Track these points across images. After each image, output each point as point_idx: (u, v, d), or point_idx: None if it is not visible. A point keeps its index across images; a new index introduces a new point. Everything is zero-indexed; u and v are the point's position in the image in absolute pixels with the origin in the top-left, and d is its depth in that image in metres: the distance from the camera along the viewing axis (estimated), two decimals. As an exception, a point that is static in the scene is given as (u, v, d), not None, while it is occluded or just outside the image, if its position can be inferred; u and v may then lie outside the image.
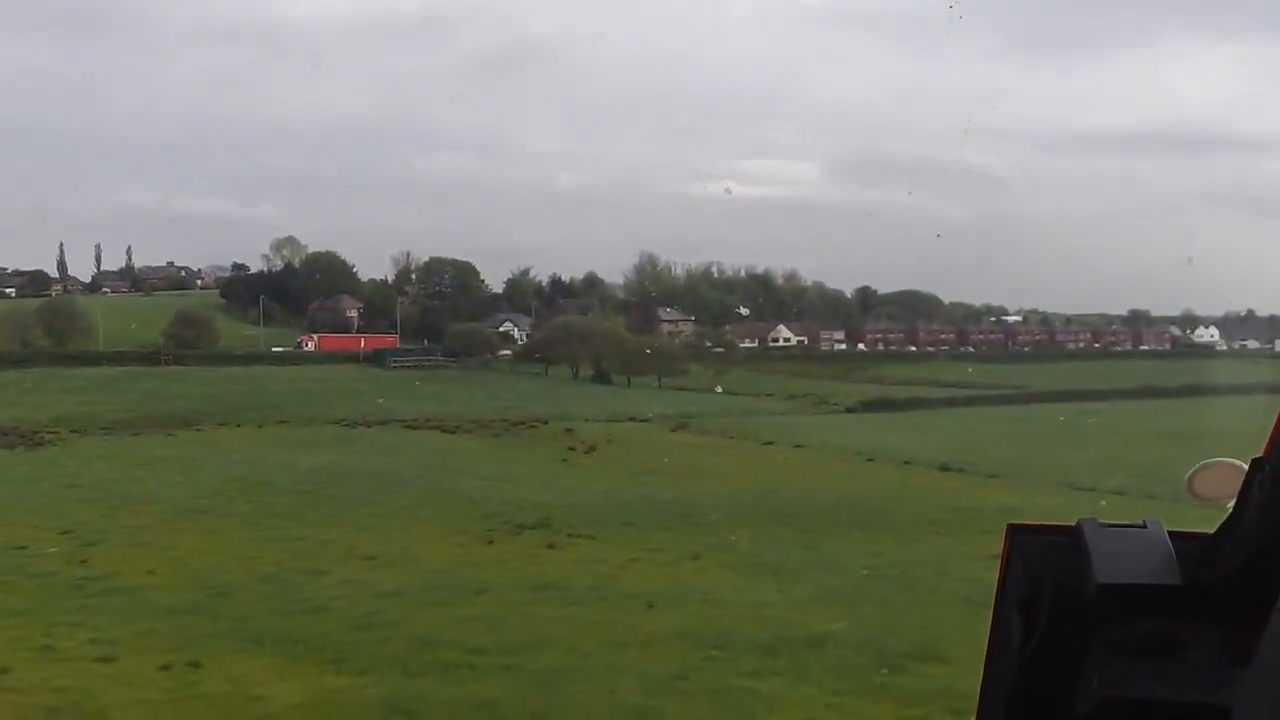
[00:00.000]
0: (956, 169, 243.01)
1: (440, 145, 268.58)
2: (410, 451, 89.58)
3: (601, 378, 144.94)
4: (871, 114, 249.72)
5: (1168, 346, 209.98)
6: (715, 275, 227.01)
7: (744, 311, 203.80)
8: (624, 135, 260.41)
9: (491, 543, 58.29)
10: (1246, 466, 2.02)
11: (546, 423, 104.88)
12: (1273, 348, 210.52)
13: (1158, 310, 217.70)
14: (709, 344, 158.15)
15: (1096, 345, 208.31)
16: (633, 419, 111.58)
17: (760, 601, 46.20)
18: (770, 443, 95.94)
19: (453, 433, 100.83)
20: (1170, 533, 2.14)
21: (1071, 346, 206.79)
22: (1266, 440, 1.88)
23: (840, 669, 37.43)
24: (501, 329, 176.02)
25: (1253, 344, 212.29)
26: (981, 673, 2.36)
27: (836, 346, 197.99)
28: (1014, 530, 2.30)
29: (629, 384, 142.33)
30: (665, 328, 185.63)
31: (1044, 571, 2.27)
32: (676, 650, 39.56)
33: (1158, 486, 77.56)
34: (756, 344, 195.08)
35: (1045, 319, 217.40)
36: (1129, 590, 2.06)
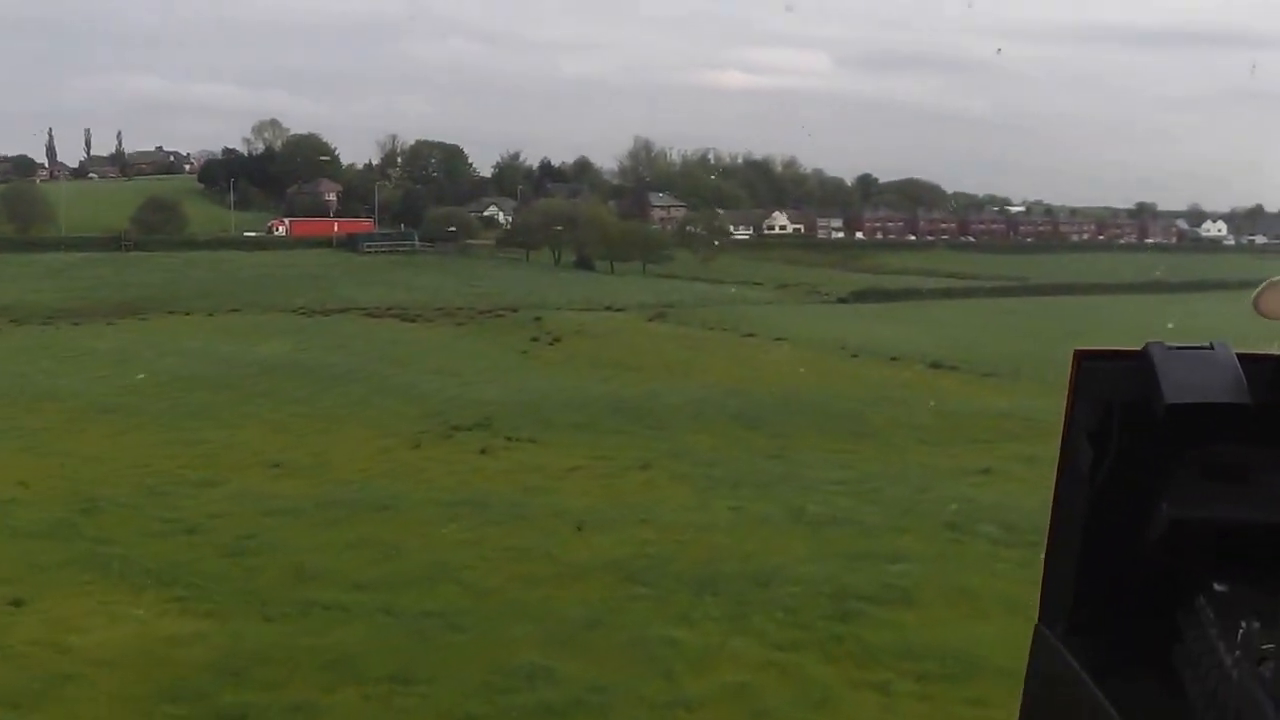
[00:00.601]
0: (965, 61, 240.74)
1: (443, 32, 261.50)
2: (362, 342, 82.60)
3: (584, 264, 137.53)
4: (881, 4, 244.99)
5: (1174, 241, 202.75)
6: (712, 162, 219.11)
7: (734, 201, 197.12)
8: (629, 24, 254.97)
9: (418, 446, 51.51)
10: None
11: (516, 311, 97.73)
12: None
13: (1164, 205, 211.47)
14: (699, 230, 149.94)
15: (1101, 238, 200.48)
16: (609, 308, 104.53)
17: (707, 524, 39.50)
18: (751, 335, 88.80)
19: (413, 322, 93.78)
20: (1239, 354, 2.02)
21: (1076, 239, 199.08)
22: None
23: (788, 613, 30.76)
24: (486, 213, 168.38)
25: (1260, 239, 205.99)
26: (1051, 504, 2.24)
27: (834, 235, 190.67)
28: (1082, 356, 2.18)
29: (612, 270, 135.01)
30: (657, 213, 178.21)
31: (1112, 397, 2.14)
32: (597, 586, 32.93)
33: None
34: (752, 231, 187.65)
35: (1049, 210, 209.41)
36: (1198, 410, 1.96)
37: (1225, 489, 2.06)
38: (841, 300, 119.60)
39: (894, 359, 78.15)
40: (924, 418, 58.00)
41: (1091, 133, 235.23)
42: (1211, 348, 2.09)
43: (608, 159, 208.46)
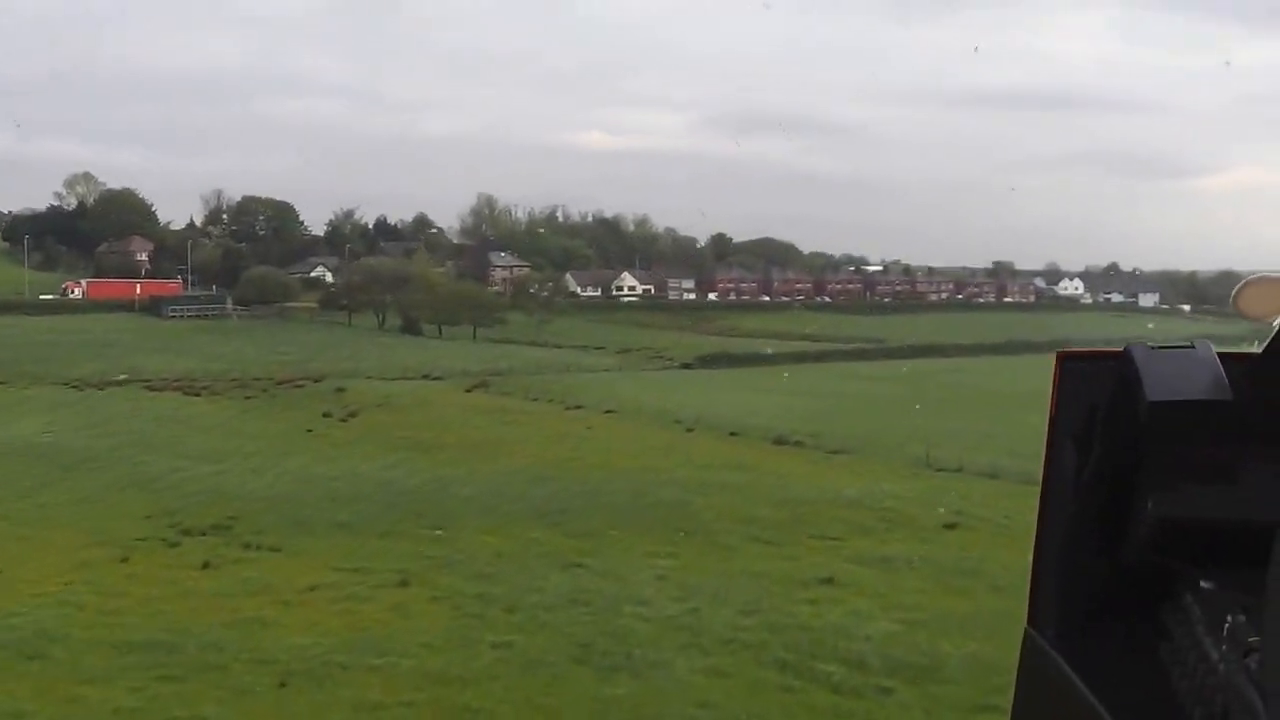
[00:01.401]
0: (825, 123, 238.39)
1: (298, 90, 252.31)
2: (127, 421, 71.43)
3: (411, 328, 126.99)
4: (742, 66, 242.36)
5: (1032, 299, 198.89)
6: (560, 220, 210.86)
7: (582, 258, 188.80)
8: (493, 84, 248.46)
9: (126, 559, 41.03)
10: None
11: (319, 381, 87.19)
12: (1136, 301, 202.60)
13: (1021, 264, 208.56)
14: (537, 290, 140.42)
15: (960, 297, 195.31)
16: (427, 376, 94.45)
17: (458, 671, 29.77)
18: (579, 407, 79.38)
19: (198, 395, 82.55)
20: (1220, 353, 2.10)
21: (934, 298, 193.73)
22: None
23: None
24: (313, 274, 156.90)
25: (1116, 297, 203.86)
26: (1037, 507, 2.28)
27: (686, 296, 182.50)
28: (1065, 358, 2.26)
29: (440, 335, 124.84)
30: (499, 273, 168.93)
31: (1096, 397, 2.22)
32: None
33: (1038, 466, 62.20)
34: (599, 292, 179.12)
35: (907, 270, 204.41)
36: (1181, 408, 2.02)
37: (1209, 487, 2.08)
38: (686, 366, 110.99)
39: (734, 434, 69.32)
40: (762, 508, 49.03)
41: (949, 194, 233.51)
42: (1193, 347, 2.12)
43: (453, 217, 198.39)
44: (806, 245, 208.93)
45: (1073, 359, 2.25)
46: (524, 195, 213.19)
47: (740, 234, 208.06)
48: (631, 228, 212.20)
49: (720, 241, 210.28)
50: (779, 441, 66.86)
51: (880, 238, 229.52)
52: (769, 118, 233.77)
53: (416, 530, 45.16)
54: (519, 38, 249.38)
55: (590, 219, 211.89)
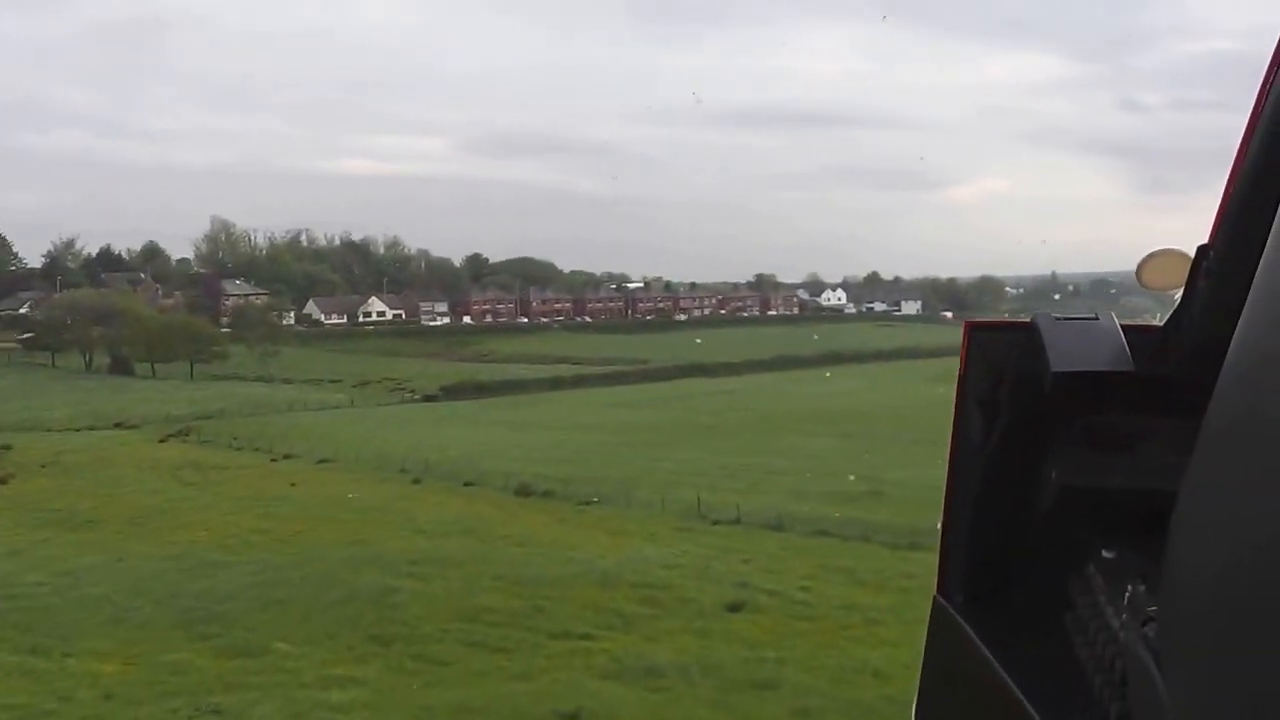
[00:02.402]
0: (585, 143, 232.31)
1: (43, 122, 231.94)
2: None
3: (120, 367, 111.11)
4: (501, 89, 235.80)
5: (796, 311, 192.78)
6: (304, 244, 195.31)
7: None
8: (251, 112, 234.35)
9: None
10: (1192, 255, 1.99)
11: (-18, 436, 71.85)
12: (899, 309, 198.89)
13: (784, 277, 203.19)
14: (266, 319, 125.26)
15: (723, 311, 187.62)
16: (120, 425, 79.79)
17: None
18: (289, 456, 66.53)
19: None
20: (1123, 325, 2.13)
21: (697, 313, 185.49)
22: (1211, 226, 1.88)
23: None
24: (22, 310, 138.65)
25: (879, 306, 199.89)
26: (945, 475, 2.33)
27: (440, 320, 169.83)
28: (972, 327, 2.27)
29: (154, 373, 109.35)
30: (233, 302, 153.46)
31: (1002, 366, 2.24)
32: None
33: (829, 508, 54.23)
34: (345, 319, 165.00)
35: (669, 286, 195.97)
36: (1084, 378, 2.05)
37: (1111, 456, 2.11)
38: (430, 398, 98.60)
39: (469, 484, 57.69)
40: (491, 595, 37.63)
41: (710, 211, 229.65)
42: (1096, 318, 2.13)
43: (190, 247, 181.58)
44: (567, 264, 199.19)
45: (980, 329, 2.23)
46: (274, 222, 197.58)
47: (500, 255, 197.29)
48: (382, 250, 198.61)
49: (477, 262, 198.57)
50: (522, 492, 55.37)
51: (643, 256, 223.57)
52: (529, 140, 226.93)
53: (5, 655, 32.09)
54: (276, 66, 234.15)
55: (338, 242, 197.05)
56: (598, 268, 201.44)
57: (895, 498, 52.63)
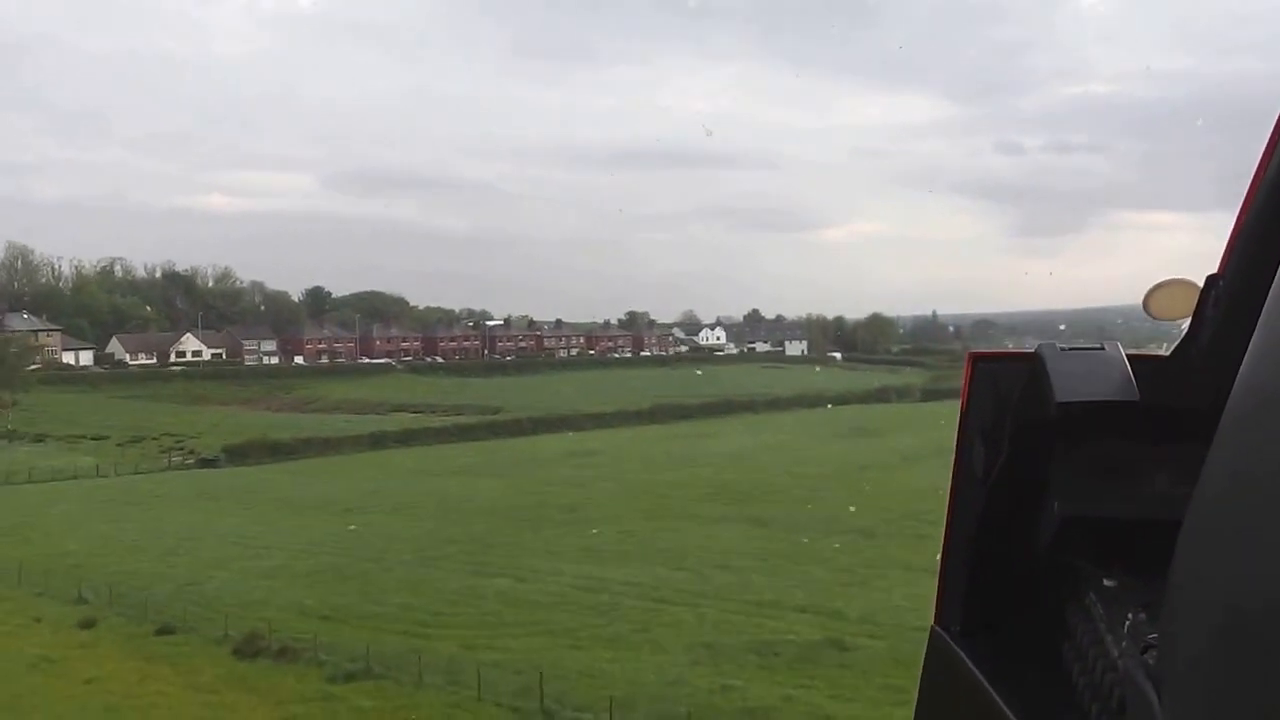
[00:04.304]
0: (450, 180, 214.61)
1: None
2: None
3: None
4: (363, 125, 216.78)
5: (672, 351, 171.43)
6: (119, 275, 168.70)
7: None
8: (107, 147, 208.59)
9: None
10: (1201, 284, 1.93)
11: None
12: (783, 349, 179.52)
13: (658, 315, 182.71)
14: (11, 359, 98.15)
15: (592, 352, 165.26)
16: None
17: None
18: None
19: None
20: (1128, 354, 2.00)
21: (563, 354, 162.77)
22: (1221, 256, 1.83)
23: None
24: None
25: (762, 346, 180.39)
26: (946, 508, 2.18)
27: (268, 360, 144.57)
28: (975, 358, 2.17)
29: None
30: (21, 338, 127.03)
31: (1005, 397, 2.12)
32: None
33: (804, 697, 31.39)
34: (155, 359, 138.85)
35: (532, 323, 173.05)
36: (1088, 408, 1.94)
37: (1114, 486, 2.03)
38: (207, 462, 73.89)
39: (165, 631, 33.94)
40: None
41: (579, 249, 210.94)
42: (1102, 348, 2.03)
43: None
44: (423, 300, 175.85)
45: (983, 359, 2.16)
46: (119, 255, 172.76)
47: (348, 290, 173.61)
48: (210, 283, 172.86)
49: (318, 296, 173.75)
50: (246, 651, 31.87)
51: (509, 293, 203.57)
52: (394, 176, 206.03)
53: None
54: (132, 98, 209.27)
55: (159, 274, 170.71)
56: (459, 305, 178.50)
57: (869, 654, 30.87)
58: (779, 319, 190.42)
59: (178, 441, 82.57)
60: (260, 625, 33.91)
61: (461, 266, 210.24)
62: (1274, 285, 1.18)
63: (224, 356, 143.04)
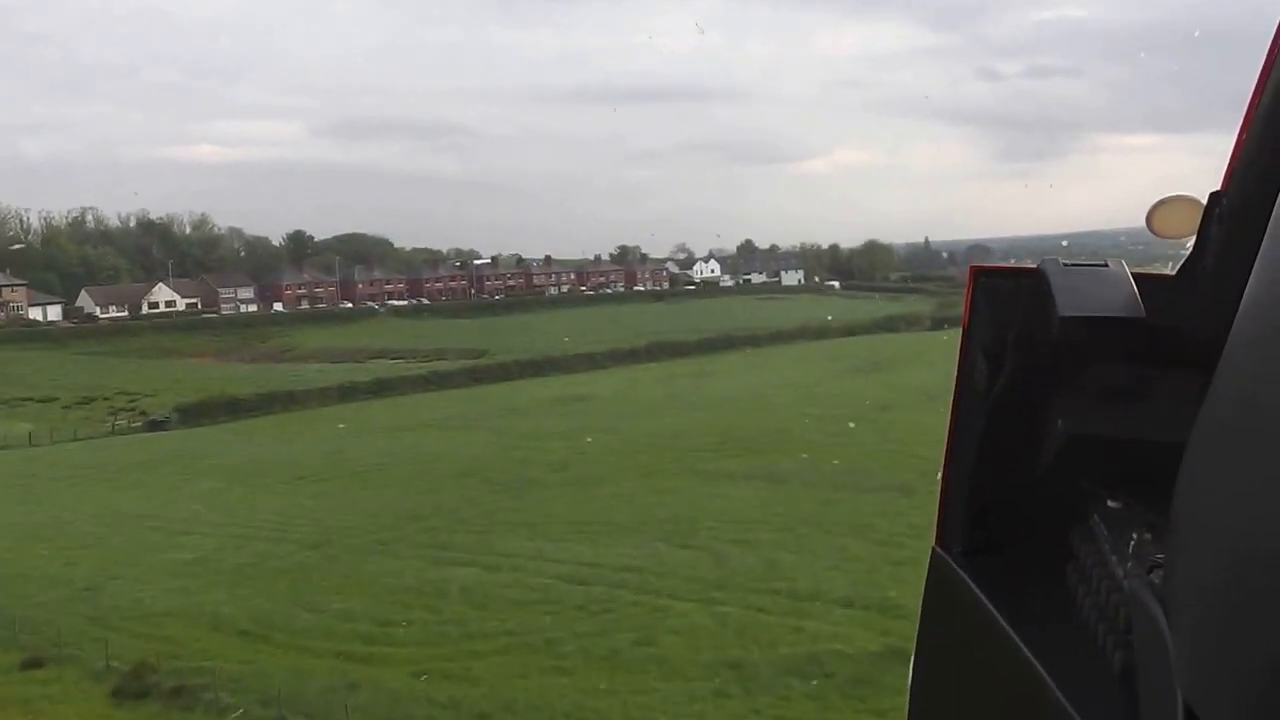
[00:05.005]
0: (437, 124, 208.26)
1: None
2: None
3: None
4: (349, 72, 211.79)
5: (666, 285, 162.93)
6: (91, 226, 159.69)
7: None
8: (91, 102, 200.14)
9: None
10: (1205, 201, 1.88)
11: None
12: (779, 280, 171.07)
13: (650, 250, 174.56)
14: None
15: (584, 289, 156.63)
16: None
17: None
18: None
19: None
20: (1133, 273, 1.93)
21: (553, 291, 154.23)
22: (1224, 172, 1.79)
23: None
24: None
25: (758, 277, 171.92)
26: (947, 424, 2.13)
27: (246, 308, 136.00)
28: (977, 272, 2.08)
29: None
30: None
31: (1008, 311, 2.05)
32: None
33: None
34: (127, 311, 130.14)
35: (521, 261, 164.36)
36: (1093, 324, 1.89)
37: (1118, 405, 1.99)
38: (157, 424, 65.56)
39: (33, 665, 25.86)
40: None
41: (570, 188, 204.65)
42: (1106, 265, 1.96)
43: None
44: (410, 241, 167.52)
45: (986, 274, 2.06)
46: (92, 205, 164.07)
47: (331, 233, 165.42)
48: (188, 230, 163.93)
49: (299, 241, 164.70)
50: (123, 692, 23.76)
51: (498, 233, 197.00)
52: (382, 122, 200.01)
53: None
54: (118, 51, 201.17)
55: (133, 223, 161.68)
56: (447, 245, 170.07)
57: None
58: (773, 249, 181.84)
59: (131, 401, 74.34)
60: (157, 649, 25.90)
61: (449, 208, 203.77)
62: (1279, 201, 1.17)
63: (199, 306, 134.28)
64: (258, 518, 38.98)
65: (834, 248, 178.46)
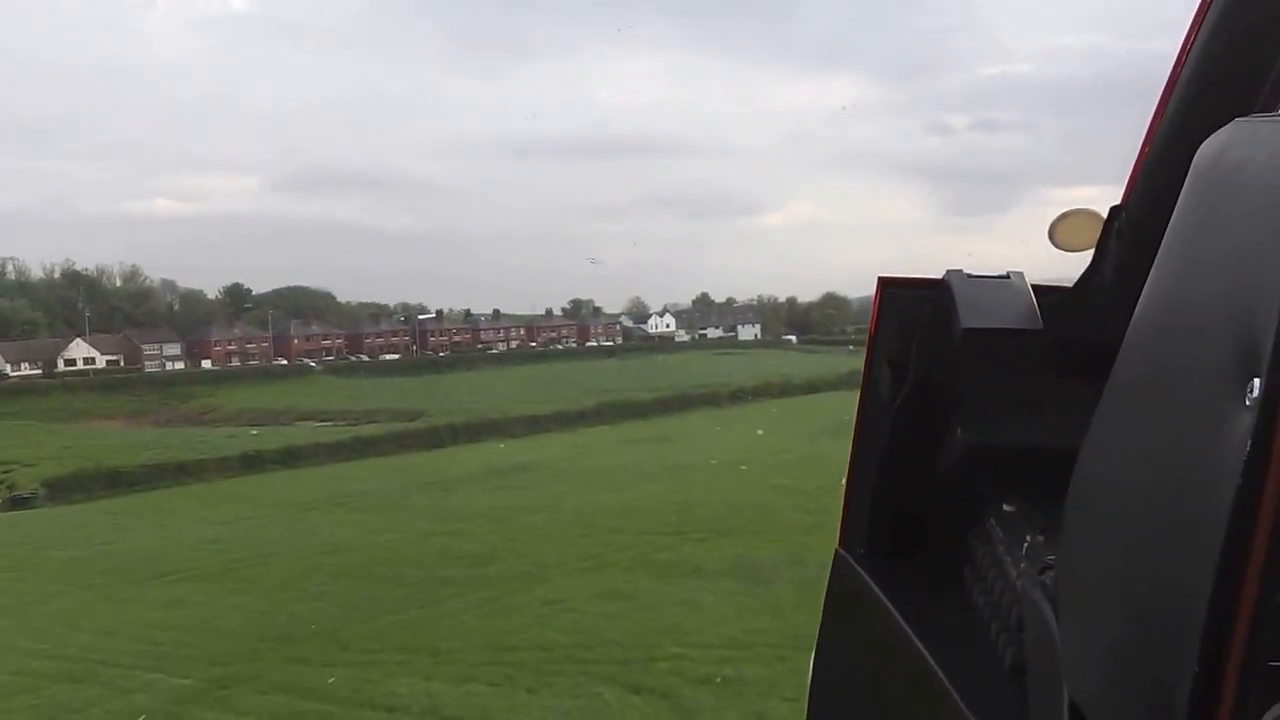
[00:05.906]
0: (391, 178, 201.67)
1: None
2: None
3: None
4: (308, 125, 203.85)
5: (619, 340, 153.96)
6: (10, 277, 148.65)
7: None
8: (47, 156, 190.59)
9: None
10: (1105, 215, 1.97)
11: None
12: (735, 335, 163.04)
13: (604, 305, 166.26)
14: None
15: (534, 344, 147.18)
16: None
17: None
18: None
19: None
20: (1033, 285, 2.06)
21: (501, 347, 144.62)
22: (1124, 187, 1.85)
23: None
24: None
25: (714, 332, 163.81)
26: (853, 430, 2.24)
27: (172, 365, 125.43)
28: (884, 283, 2.17)
29: None
30: None
31: (913, 322, 2.15)
32: None
33: None
34: (40, 369, 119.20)
35: (468, 315, 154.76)
36: (993, 335, 1.98)
37: (1016, 414, 2.04)
38: (21, 501, 54.81)
39: None
40: None
41: (522, 242, 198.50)
42: (1008, 277, 2.04)
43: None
44: (354, 296, 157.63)
45: (892, 285, 2.11)
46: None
47: (264, 285, 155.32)
48: (118, 283, 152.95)
49: (236, 294, 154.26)
50: None
51: (449, 288, 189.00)
52: (338, 175, 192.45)
53: None
54: (74, 104, 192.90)
55: (57, 274, 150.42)
56: (393, 299, 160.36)
57: None
58: (730, 302, 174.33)
59: (6, 472, 63.55)
60: None
61: (399, 262, 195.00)
62: (1174, 215, 1.14)
63: (121, 363, 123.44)
64: (72, 642, 28.61)
65: (791, 301, 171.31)
